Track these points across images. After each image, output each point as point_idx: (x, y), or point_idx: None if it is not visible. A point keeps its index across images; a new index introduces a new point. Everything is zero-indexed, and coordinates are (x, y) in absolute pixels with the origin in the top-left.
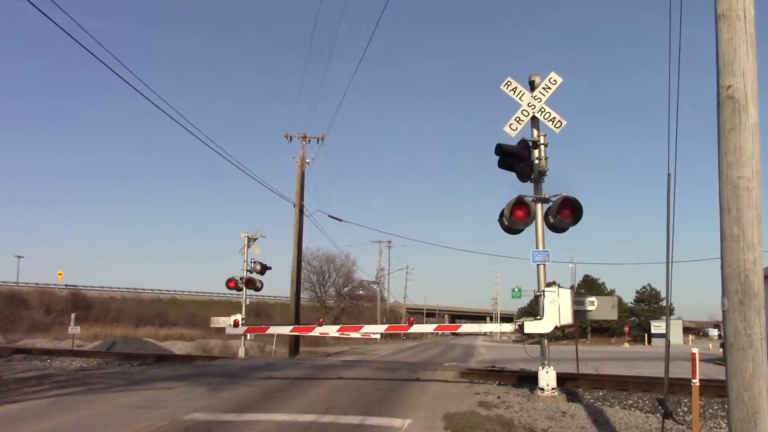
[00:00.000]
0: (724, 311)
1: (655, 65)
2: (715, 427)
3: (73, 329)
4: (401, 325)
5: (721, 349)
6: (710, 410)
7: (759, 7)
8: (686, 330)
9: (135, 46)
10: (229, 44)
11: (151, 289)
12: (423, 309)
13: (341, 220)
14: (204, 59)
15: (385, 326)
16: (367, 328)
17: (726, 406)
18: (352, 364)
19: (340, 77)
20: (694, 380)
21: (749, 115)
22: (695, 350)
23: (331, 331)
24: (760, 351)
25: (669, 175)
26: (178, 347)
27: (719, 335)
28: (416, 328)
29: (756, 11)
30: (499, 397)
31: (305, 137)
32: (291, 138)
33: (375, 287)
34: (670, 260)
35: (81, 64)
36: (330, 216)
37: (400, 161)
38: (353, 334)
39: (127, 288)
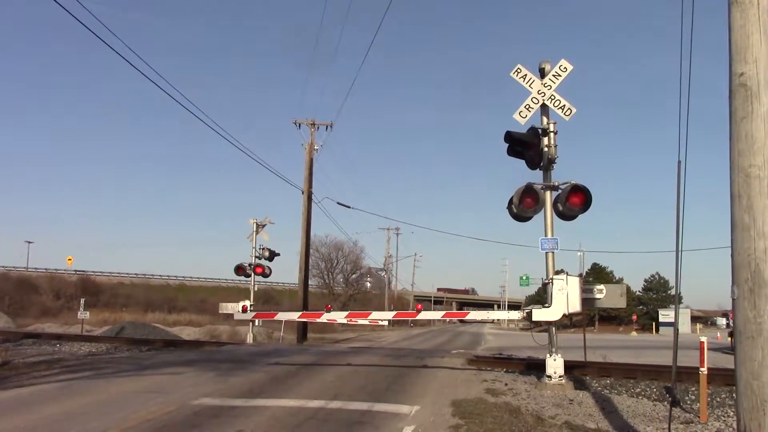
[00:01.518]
0: (733, 300)
1: (666, 53)
2: (723, 416)
3: (83, 314)
4: (409, 311)
5: (729, 338)
6: (718, 399)
7: None
8: (694, 319)
9: (139, 34)
10: (235, 31)
11: (160, 275)
12: (431, 296)
13: (349, 207)
14: (209, 47)
15: (393, 313)
16: (375, 315)
17: (734, 395)
18: (360, 351)
19: (349, 65)
20: (702, 369)
21: (761, 103)
22: (703, 339)
23: (339, 317)
24: None
25: (679, 162)
26: (187, 333)
27: (727, 324)
28: (424, 315)
29: None
30: (506, 385)
31: (314, 124)
32: (300, 125)
33: (383, 274)
34: (680, 249)
35: (86, 51)
36: (338, 203)
37: (409, 149)
38: (361, 321)
39: (136, 274)
